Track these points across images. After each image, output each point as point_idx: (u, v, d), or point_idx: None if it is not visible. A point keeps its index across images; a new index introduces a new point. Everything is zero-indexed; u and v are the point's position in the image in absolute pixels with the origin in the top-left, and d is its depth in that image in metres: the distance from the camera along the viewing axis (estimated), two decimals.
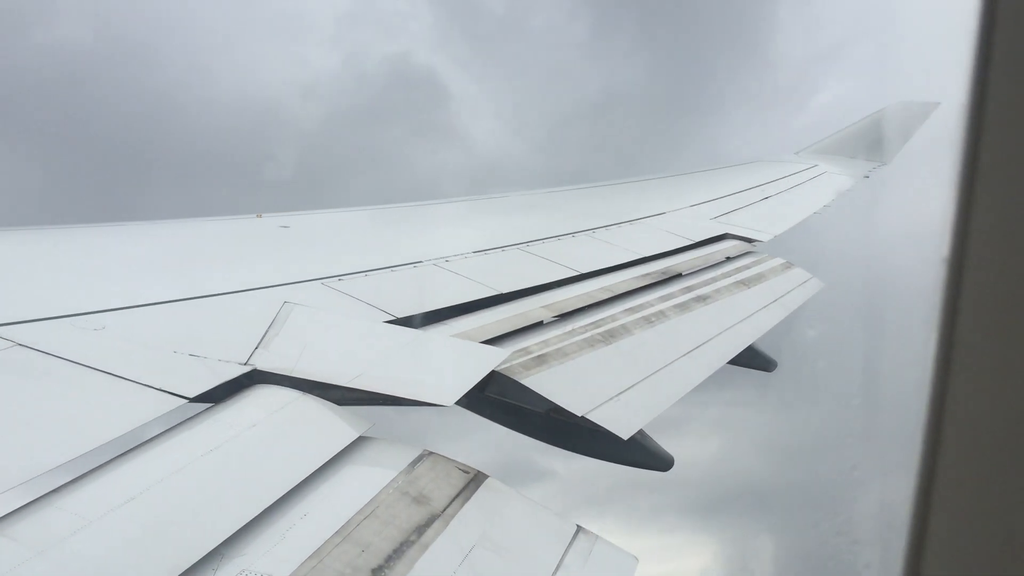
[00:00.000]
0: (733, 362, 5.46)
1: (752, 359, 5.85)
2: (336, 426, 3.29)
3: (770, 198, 10.01)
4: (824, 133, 14.14)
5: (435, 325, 4.56)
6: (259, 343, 3.77)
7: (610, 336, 5.01)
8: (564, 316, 5.15)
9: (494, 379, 4.03)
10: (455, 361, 4.10)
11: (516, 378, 4.08)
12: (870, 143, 13.65)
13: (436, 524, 2.82)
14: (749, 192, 10.04)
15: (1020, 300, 0.87)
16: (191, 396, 3.15)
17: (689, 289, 6.30)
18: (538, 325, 4.90)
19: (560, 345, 4.64)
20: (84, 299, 3.88)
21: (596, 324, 5.14)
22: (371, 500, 2.83)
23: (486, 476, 3.21)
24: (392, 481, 2.98)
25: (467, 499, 3.03)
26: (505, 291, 5.23)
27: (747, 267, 7.32)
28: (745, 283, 6.87)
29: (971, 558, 0.92)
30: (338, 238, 6.44)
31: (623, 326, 5.22)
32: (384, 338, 4.21)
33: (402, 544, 2.66)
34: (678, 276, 6.56)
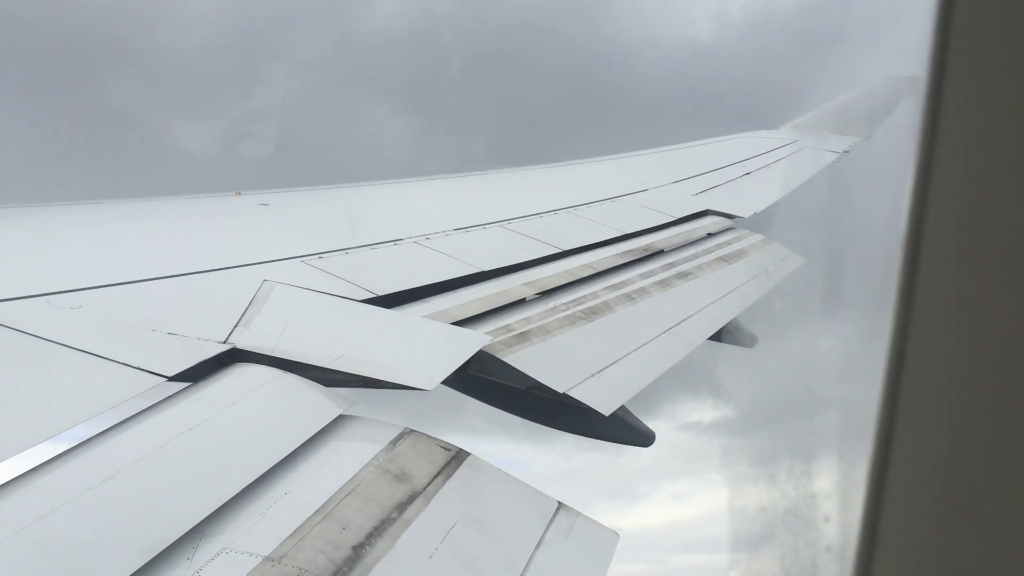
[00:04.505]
0: (714, 338, 5.51)
1: (732, 335, 5.89)
2: (317, 404, 3.28)
3: (751, 174, 10.03)
4: (806, 108, 14.13)
5: (416, 303, 4.54)
6: (239, 321, 3.74)
7: (592, 313, 5.02)
8: (546, 293, 5.16)
9: (476, 357, 4.04)
10: (437, 344, 4.09)
11: (498, 355, 4.08)
12: (852, 118, 13.68)
13: (417, 502, 2.83)
14: (731, 168, 10.05)
15: (975, 284, 0.87)
16: (170, 375, 3.13)
17: (670, 266, 6.32)
18: (520, 303, 4.90)
19: (542, 322, 4.65)
20: (60, 277, 3.84)
21: (578, 301, 5.15)
22: (352, 478, 2.84)
23: (468, 453, 3.23)
24: (373, 459, 2.98)
25: (448, 476, 3.04)
26: (486, 269, 5.22)
27: (728, 244, 7.35)
28: (726, 260, 6.90)
29: (924, 549, 0.93)
30: (318, 216, 6.39)
31: (605, 303, 5.24)
32: (366, 318, 4.19)
33: (383, 522, 2.67)
34: (659, 253, 6.58)
